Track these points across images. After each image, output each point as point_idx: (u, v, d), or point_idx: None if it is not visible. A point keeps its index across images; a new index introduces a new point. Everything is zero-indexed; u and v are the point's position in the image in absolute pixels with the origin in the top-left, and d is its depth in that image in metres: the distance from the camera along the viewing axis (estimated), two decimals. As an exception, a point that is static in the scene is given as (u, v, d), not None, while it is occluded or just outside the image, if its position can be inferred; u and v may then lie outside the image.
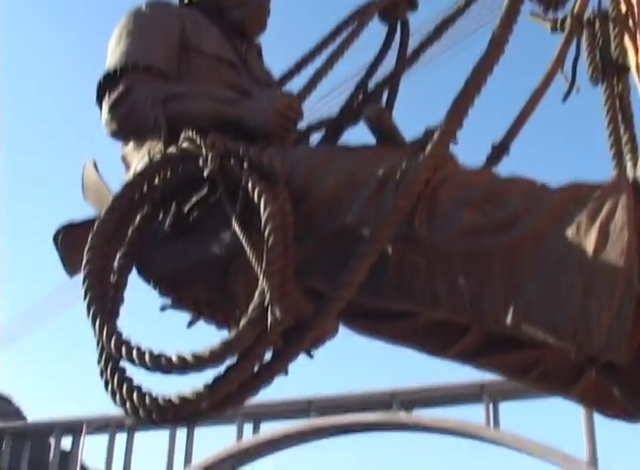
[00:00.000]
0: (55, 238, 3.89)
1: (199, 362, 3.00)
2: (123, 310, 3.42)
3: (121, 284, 3.47)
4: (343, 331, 3.60)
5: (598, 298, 2.87)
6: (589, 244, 2.92)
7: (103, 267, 3.39)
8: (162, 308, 3.56)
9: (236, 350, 3.02)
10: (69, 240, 3.83)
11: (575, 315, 2.88)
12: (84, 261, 3.36)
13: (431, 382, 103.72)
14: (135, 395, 3.12)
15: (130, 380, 3.18)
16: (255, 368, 3.10)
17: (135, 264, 3.55)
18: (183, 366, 3.02)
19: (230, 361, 3.05)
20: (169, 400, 3.06)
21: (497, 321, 3.00)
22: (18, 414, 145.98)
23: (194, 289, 3.53)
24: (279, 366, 3.13)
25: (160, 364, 3.05)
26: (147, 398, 3.10)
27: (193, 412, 3.10)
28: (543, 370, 3.49)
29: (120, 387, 3.17)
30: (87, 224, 3.61)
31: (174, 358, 3.03)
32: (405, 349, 3.57)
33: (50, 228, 3.92)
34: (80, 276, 3.40)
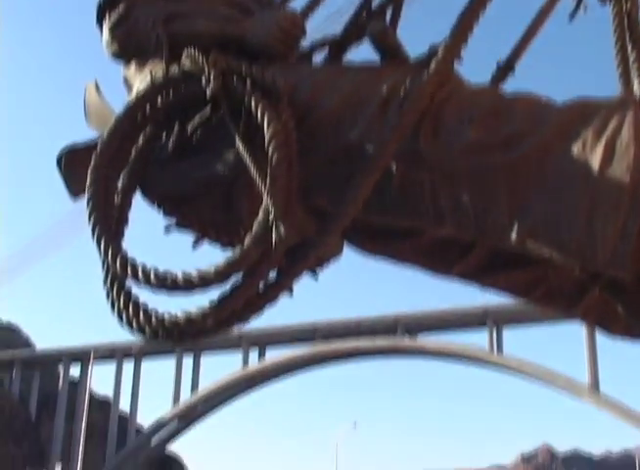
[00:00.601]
0: (58, 161, 3.87)
1: (204, 281, 3.01)
2: (128, 232, 3.43)
3: (126, 205, 3.46)
4: (348, 258, 3.60)
5: (603, 214, 2.86)
6: (595, 160, 2.91)
7: (106, 188, 3.38)
8: (167, 229, 3.54)
9: (241, 267, 3.02)
10: (73, 163, 3.81)
11: (580, 232, 2.88)
12: (88, 183, 3.35)
13: (435, 307, 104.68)
14: (141, 314, 3.14)
15: (136, 300, 3.19)
16: (260, 286, 3.11)
17: (139, 185, 3.53)
18: (188, 285, 3.02)
19: (235, 280, 3.06)
20: (175, 319, 3.07)
21: (502, 238, 2.99)
22: (26, 344, 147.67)
23: (198, 209, 3.52)
24: (284, 284, 3.14)
25: (166, 283, 3.06)
26: (153, 317, 3.12)
27: (198, 330, 3.12)
28: (547, 289, 3.49)
29: (127, 307, 3.18)
30: (90, 147, 3.58)
31: (179, 277, 3.04)
32: (409, 272, 3.56)
33: (52, 154, 3.92)
34: (84, 199, 3.39)
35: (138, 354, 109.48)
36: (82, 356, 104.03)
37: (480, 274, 3.49)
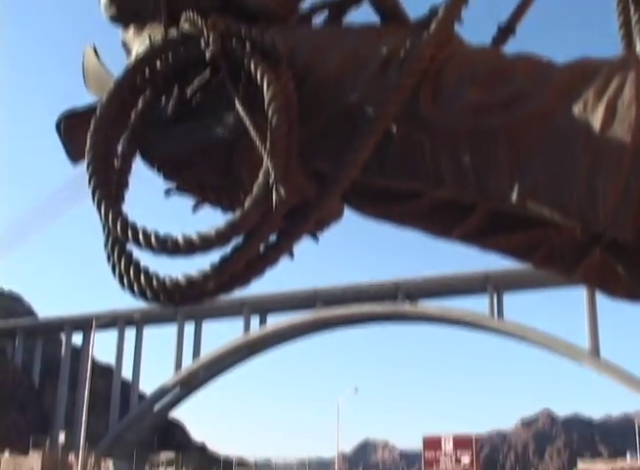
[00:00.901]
0: (57, 126, 3.85)
1: (205, 243, 3.01)
2: (128, 197, 3.42)
3: (126, 169, 3.45)
4: (349, 224, 3.60)
5: (604, 175, 2.86)
6: (596, 120, 2.90)
7: (106, 152, 3.38)
8: (167, 193, 3.54)
9: (241, 229, 3.03)
10: (72, 127, 3.80)
11: (581, 192, 2.88)
12: (87, 147, 3.34)
13: (435, 273, 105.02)
14: (142, 277, 3.14)
15: (137, 263, 3.20)
16: (261, 249, 3.12)
17: (139, 149, 3.52)
18: (189, 247, 3.03)
19: (236, 242, 3.07)
20: (176, 282, 3.08)
21: (502, 199, 2.99)
22: (29, 312, 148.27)
23: (198, 173, 3.51)
24: (284, 246, 3.14)
25: (167, 246, 3.06)
26: (154, 280, 3.12)
27: (200, 293, 3.13)
28: (548, 251, 3.49)
29: (128, 270, 3.19)
30: (89, 111, 3.57)
31: (180, 240, 3.04)
32: (410, 239, 3.56)
33: (52, 119, 3.90)
34: (84, 164, 3.39)
35: (140, 322, 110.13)
36: (84, 324, 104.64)
37: (481, 236, 3.49)
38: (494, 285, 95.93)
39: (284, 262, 3.21)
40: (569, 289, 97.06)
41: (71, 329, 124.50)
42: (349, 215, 3.54)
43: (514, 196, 2.95)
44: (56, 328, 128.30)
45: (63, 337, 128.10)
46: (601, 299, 3.67)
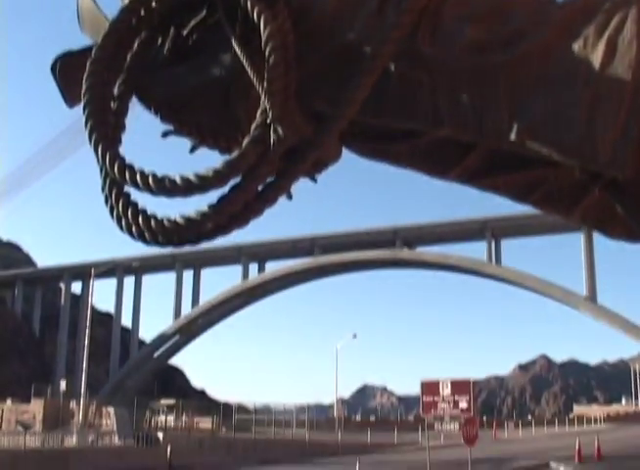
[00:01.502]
0: (52, 69, 3.82)
1: (203, 183, 3.01)
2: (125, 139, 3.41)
3: (122, 111, 3.43)
4: (346, 169, 3.58)
5: (604, 112, 2.85)
6: (596, 58, 2.88)
7: (103, 95, 3.35)
8: (164, 135, 3.53)
9: (239, 169, 3.02)
10: (68, 70, 3.76)
11: (580, 131, 2.86)
12: (83, 89, 3.32)
13: (433, 219, 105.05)
14: (140, 218, 3.14)
15: (135, 204, 3.19)
16: (259, 189, 3.11)
17: (135, 91, 3.50)
18: (187, 187, 3.02)
19: (234, 182, 3.06)
20: (175, 222, 3.08)
21: (501, 137, 2.98)
22: (28, 261, 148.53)
23: (195, 114, 3.49)
24: (282, 185, 3.14)
25: (165, 187, 3.06)
26: (152, 220, 3.12)
27: (198, 233, 3.13)
28: (547, 191, 3.49)
29: (125, 211, 3.19)
30: (85, 53, 3.54)
31: (178, 180, 3.04)
32: (408, 184, 3.56)
33: (46, 63, 3.86)
34: (80, 106, 3.37)
35: (138, 270, 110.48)
36: (83, 273, 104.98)
37: (479, 176, 3.48)
38: (492, 231, 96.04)
39: (283, 211, 3.21)
40: (566, 235, 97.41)
41: (70, 278, 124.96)
42: (347, 164, 3.52)
43: (513, 134, 2.94)
44: (55, 277, 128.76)
45: (62, 286, 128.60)
46: (598, 245, 3.66)
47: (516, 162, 3.30)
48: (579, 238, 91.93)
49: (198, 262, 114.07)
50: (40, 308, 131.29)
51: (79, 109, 3.37)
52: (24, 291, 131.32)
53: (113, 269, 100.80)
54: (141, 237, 3.16)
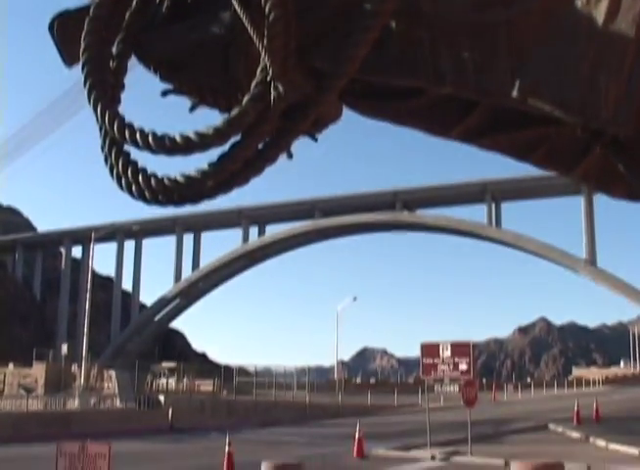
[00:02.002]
0: (50, 28, 3.79)
1: (203, 141, 2.99)
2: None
3: (121, 70, 3.41)
4: (345, 132, 3.55)
5: (607, 70, 2.82)
6: (599, 14, 2.85)
7: (101, 53, 3.33)
8: (164, 94, 3.50)
9: (239, 126, 3.00)
10: (65, 29, 3.73)
11: (583, 88, 2.84)
12: (82, 48, 3.30)
13: (433, 182, 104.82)
14: (140, 177, 3.13)
15: (135, 163, 3.18)
16: (259, 147, 3.10)
17: (134, 50, 3.47)
18: (187, 145, 3.01)
19: (234, 140, 3.04)
20: (175, 180, 3.07)
21: (503, 95, 2.96)
22: (28, 226, 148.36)
23: (195, 73, 3.47)
24: (282, 143, 3.12)
25: (164, 145, 3.04)
26: (152, 179, 3.11)
27: (198, 191, 3.12)
28: (548, 149, 3.48)
29: (125, 170, 3.17)
30: (83, 11, 3.51)
31: (178, 138, 3.02)
32: (408, 147, 3.54)
33: (44, 23, 3.82)
34: (79, 65, 3.34)
35: (139, 234, 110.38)
36: (83, 237, 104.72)
37: (480, 135, 3.46)
38: (492, 194, 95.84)
39: (284, 174, 3.19)
40: (567, 198, 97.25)
41: (71, 242, 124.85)
42: (347, 127, 3.50)
43: (515, 92, 2.92)
44: (55, 242, 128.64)
45: (62, 250, 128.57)
46: (599, 209, 3.64)
47: (517, 120, 3.29)
48: (580, 202, 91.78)
49: (198, 226, 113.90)
50: (41, 273, 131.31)
51: (79, 70, 3.35)
52: (25, 256, 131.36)
53: (113, 233, 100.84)
54: (141, 196, 3.15)
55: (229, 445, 21.16)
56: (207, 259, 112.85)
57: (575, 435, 31.45)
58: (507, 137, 3.45)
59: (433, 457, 25.78)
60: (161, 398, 48.03)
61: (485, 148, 3.53)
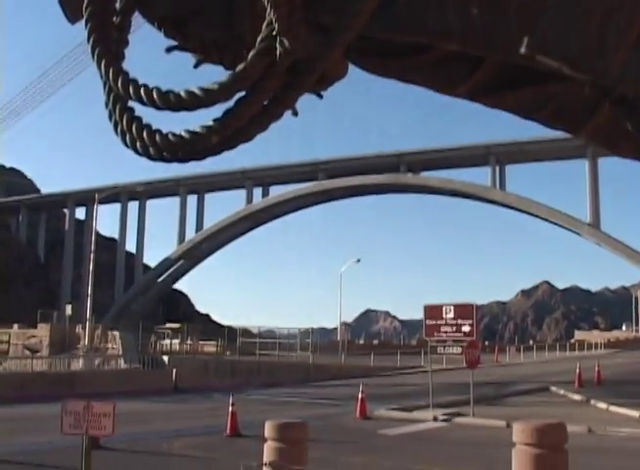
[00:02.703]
0: None
1: (208, 96, 2.97)
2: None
3: (125, 26, 3.38)
4: (350, 91, 3.52)
5: (616, 26, 2.79)
6: None
7: (105, 9, 3.29)
8: (168, 50, 3.47)
9: (245, 82, 2.97)
10: None
11: (592, 45, 2.81)
12: (85, 3, 3.26)
13: (438, 144, 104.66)
14: (145, 133, 3.11)
15: (139, 119, 3.16)
16: (265, 103, 3.07)
17: (138, 5, 3.43)
18: (193, 101, 2.98)
19: (240, 96, 3.02)
20: (180, 136, 3.05)
21: (511, 51, 2.93)
22: (31, 187, 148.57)
23: (199, 29, 3.43)
24: (288, 99, 3.09)
25: (169, 100, 3.02)
26: (157, 135, 3.09)
27: (204, 147, 3.09)
28: (556, 107, 3.44)
29: (130, 126, 3.15)
30: None
31: (183, 94, 3.00)
32: (412, 110, 3.51)
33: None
34: (82, 21, 3.31)
35: (142, 195, 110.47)
36: (87, 199, 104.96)
37: (487, 92, 3.43)
38: (496, 157, 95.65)
39: (288, 135, 3.16)
40: (571, 161, 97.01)
41: (74, 204, 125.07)
42: (350, 89, 3.47)
43: (522, 48, 2.88)
44: (59, 203, 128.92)
45: (66, 212, 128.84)
46: (603, 173, 3.63)
47: (525, 77, 3.26)
48: (584, 165, 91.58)
49: (202, 187, 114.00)
50: (45, 235, 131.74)
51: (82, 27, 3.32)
52: (29, 217, 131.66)
53: (117, 195, 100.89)
54: (146, 152, 3.13)
55: (232, 404, 21.35)
56: (211, 221, 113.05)
57: (577, 397, 31.72)
58: (514, 95, 3.41)
59: (435, 418, 26.02)
60: (165, 358, 48.41)
61: (491, 106, 3.50)
